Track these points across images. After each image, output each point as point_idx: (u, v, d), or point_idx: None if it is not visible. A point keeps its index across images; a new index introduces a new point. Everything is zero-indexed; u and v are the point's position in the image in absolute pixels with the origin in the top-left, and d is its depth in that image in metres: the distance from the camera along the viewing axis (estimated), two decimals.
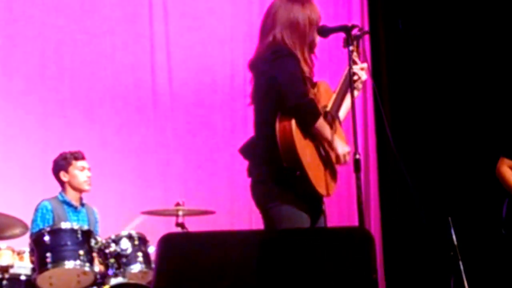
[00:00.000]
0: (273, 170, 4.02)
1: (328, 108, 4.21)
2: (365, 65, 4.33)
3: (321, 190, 4.08)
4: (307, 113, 4.00)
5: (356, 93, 4.24)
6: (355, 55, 4.25)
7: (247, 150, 4.20)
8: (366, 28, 7.88)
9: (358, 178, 4.07)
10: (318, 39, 4.22)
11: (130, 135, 7.28)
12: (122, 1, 7.45)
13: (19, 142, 6.86)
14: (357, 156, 4.08)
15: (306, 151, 4.01)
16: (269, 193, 4.05)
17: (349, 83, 4.12)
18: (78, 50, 7.18)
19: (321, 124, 4.05)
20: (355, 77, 4.24)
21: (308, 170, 3.98)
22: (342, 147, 4.15)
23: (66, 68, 7.13)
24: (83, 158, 6.16)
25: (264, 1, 7.44)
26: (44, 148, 6.81)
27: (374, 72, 7.61)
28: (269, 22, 4.19)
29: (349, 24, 4.31)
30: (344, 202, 7.54)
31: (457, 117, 7.59)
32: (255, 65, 4.19)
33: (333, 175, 4.22)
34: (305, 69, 4.13)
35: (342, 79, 4.28)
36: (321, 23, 4.23)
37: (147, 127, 7.37)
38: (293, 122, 3.96)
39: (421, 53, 7.76)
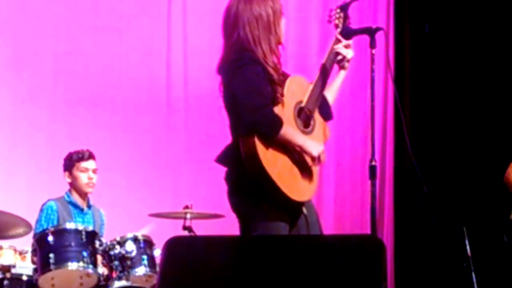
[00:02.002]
0: (243, 182, 3.95)
1: (303, 104, 4.08)
2: (350, 42, 4.24)
3: (296, 197, 3.97)
4: (265, 126, 3.88)
5: (343, 72, 4.23)
6: (338, 32, 4.22)
7: (224, 158, 4.08)
8: (391, 31, 7.78)
9: (373, 185, 4.09)
10: (284, 28, 4.11)
11: (141, 136, 7.20)
12: None
13: (25, 141, 6.78)
14: (373, 163, 4.10)
15: (275, 162, 3.91)
16: (243, 202, 4.01)
17: (331, 63, 4.14)
18: (92, 47, 7.08)
19: (286, 132, 3.93)
20: (340, 57, 4.19)
21: (278, 181, 3.89)
22: (316, 149, 4.01)
23: (79, 66, 7.04)
24: (89, 158, 6.04)
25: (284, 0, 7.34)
26: (52, 147, 6.73)
27: (397, 76, 7.50)
28: (230, 22, 4.07)
29: (373, 26, 4.26)
30: (358, 209, 7.47)
31: (482, 126, 7.44)
32: (221, 71, 4.09)
33: (311, 177, 4.07)
34: (274, 60, 4.01)
35: (324, 62, 4.18)
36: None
37: (159, 128, 7.28)
38: (256, 137, 3.86)
39: (446, 59, 7.64)
